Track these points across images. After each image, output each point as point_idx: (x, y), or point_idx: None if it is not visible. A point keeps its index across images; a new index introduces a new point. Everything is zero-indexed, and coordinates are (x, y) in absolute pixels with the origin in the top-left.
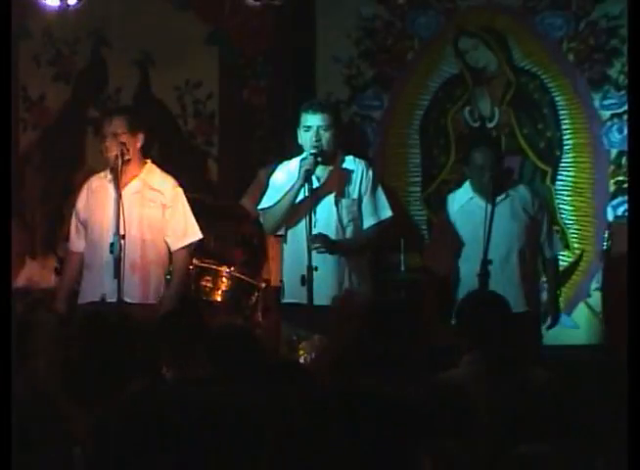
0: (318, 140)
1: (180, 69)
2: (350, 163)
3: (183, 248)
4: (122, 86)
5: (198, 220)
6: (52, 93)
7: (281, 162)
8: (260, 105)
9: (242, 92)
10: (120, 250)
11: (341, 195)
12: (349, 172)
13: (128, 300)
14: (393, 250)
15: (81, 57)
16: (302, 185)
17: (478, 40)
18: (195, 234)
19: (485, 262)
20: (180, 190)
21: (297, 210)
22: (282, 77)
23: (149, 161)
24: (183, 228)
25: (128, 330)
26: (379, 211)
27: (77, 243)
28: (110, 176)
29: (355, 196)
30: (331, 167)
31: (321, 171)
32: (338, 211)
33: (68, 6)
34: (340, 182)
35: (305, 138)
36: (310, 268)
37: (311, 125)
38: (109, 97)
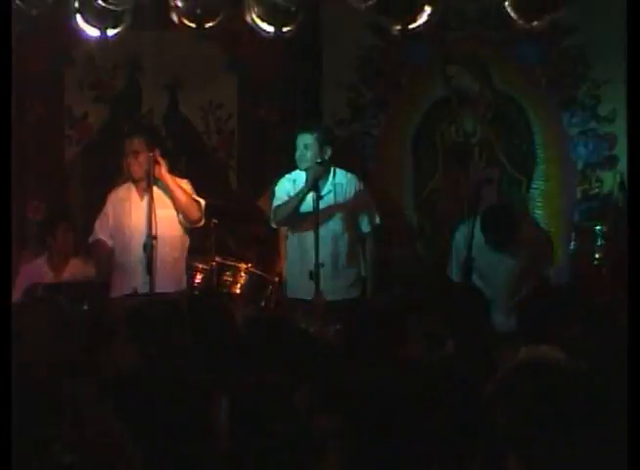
0: (314, 156)
1: (204, 92)
2: (344, 177)
3: None
4: (154, 107)
5: (219, 223)
6: (93, 113)
7: (284, 173)
8: (274, 123)
9: (257, 112)
10: (152, 248)
11: (340, 205)
12: (346, 186)
13: (159, 290)
14: (388, 249)
15: (119, 81)
16: (310, 190)
17: (462, 67)
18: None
19: (469, 259)
20: (189, 186)
21: (304, 215)
22: (292, 99)
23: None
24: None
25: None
26: (373, 218)
27: (101, 233)
28: (133, 187)
29: (351, 208)
30: (330, 180)
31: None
32: (334, 221)
33: (107, 37)
34: (339, 194)
35: (304, 155)
36: (318, 265)
37: (307, 143)
38: (142, 116)
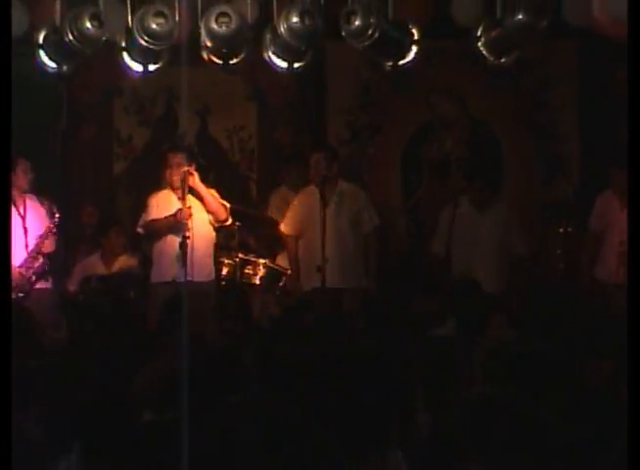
0: (325, 170)
1: (229, 116)
2: (348, 187)
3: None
4: (188, 129)
5: (242, 225)
6: (137, 134)
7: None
8: (287, 142)
9: (273, 133)
10: (186, 246)
11: (345, 210)
12: (350, 194)
13: (193, 279)
14: (384, 247)
15: (158, 108)
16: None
17: (443, 96)
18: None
19: (449, 254)
20: (217, 194)
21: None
22: (302, 123)
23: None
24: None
25: None
26: (374, 220)
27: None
28: (172, 193)
29: (355, 212)
30: (336, 191)
31: (326, 193)
32: (341, 223)
33: (149, 71)
34: (344, 201)
35: (316, 170)
36: (323, 259)
37: (319, 161)
38: (178, 137)
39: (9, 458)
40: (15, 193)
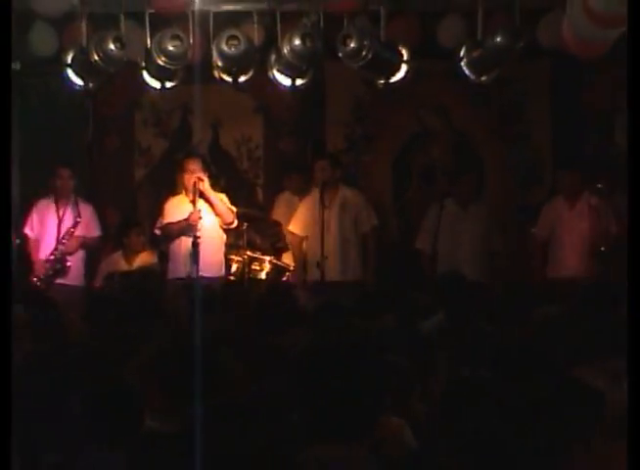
0: (328, 177)
1: (238, 129)
2: (349, 192)
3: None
4: (201, 140)
5: (249, 226)
6: (155, 145)
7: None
8: (290, 152)
9: (278, 143)
10: (198, 245)
11: (347, 212)
12: (350, 198)
13: (205, 275)
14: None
15: (174, 121)
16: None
17: (429, 110)
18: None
19: (436, 249)
20: (227, 199)
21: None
22: (303, 134)
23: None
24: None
25: None
26: (372, 220)
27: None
28: (186, 198)
29: (355, 213)
30: (339, 195)
31: (329, 197)
32: (343, 224)
33: (166, 88)
34: (346, 204)
35: (320, 177)
36: (322, 256)
37: (323, 168)
38: (192, 147)
39: (9, 458)
40: (58, 198)
